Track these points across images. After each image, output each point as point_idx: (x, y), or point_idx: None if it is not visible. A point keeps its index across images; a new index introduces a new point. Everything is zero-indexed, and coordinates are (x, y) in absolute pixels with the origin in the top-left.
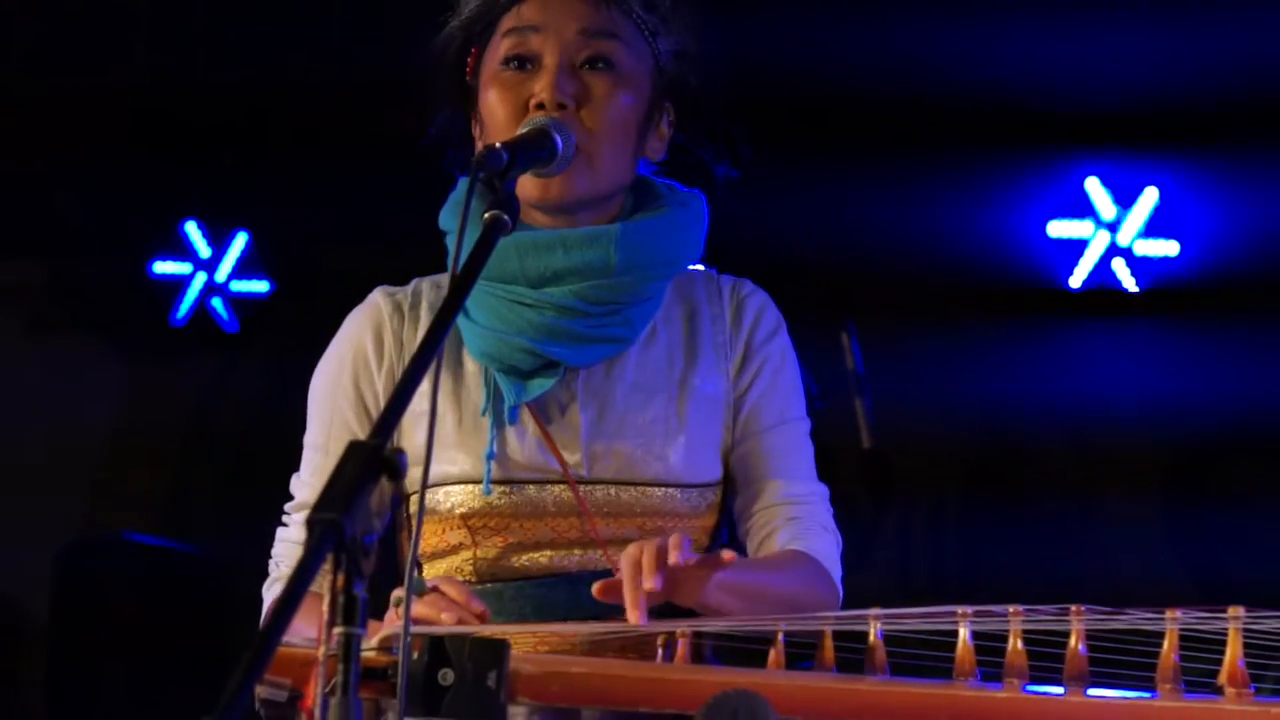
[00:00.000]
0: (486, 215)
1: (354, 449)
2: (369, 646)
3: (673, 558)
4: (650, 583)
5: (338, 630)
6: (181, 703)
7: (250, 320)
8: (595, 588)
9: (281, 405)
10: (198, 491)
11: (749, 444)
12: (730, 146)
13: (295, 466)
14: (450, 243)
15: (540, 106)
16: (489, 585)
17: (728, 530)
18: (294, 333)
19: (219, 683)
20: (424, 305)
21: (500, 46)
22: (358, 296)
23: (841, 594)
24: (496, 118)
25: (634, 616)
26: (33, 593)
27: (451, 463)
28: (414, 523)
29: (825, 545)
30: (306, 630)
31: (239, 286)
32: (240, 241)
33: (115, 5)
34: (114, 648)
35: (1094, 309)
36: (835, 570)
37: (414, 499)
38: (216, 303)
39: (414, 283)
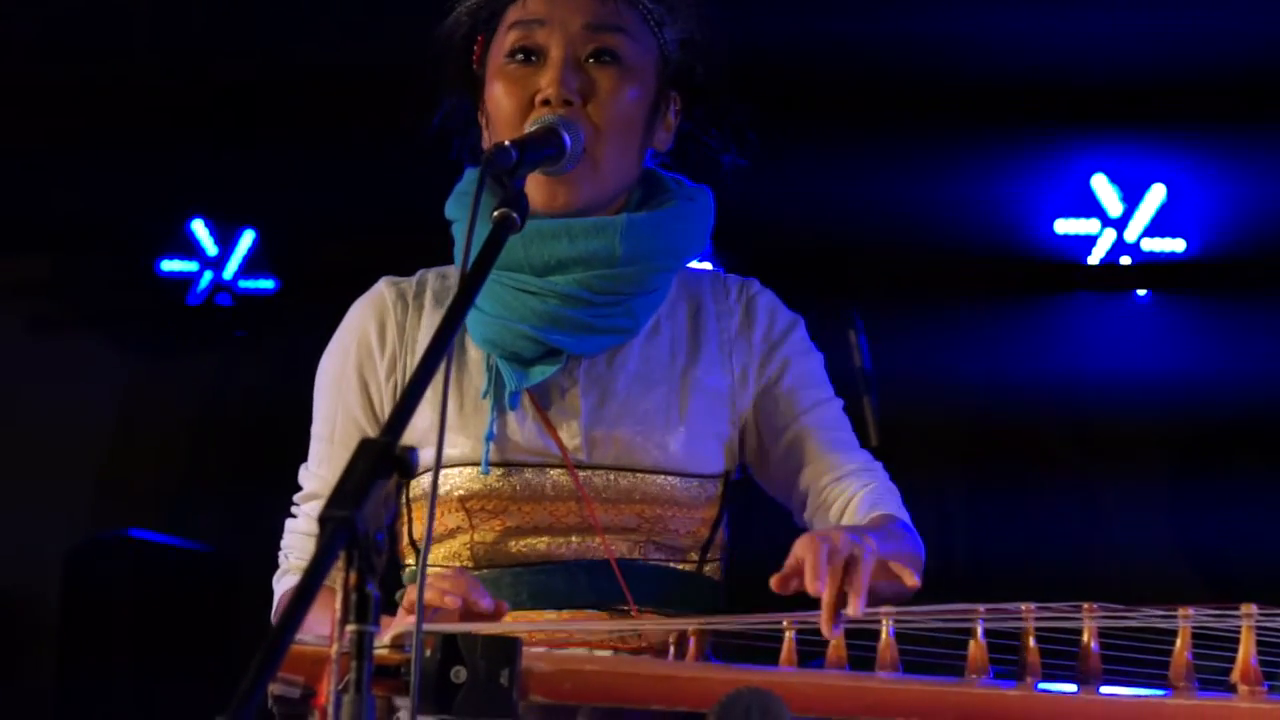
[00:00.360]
0: (496, 213)
1: (365, 446)
2: (380, 644)
3: (853, 608)
4: (855, 609)
5: (350, 627)
6: (190, 700)
7: (257, 318)
8: (774, 581)
9: (287, 403)
10: (203, 489)
11: (796, 427)
12: (737, 135)
13: (300, 463)
14: (456, 232)
15: (546, 102)
16: (485, 571)
17: (729, 525)
18: (300, 330)
19: (228, 680)
20: (428, 294)
21: (506, 39)
22: (363, 293)
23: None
24: (503, 111)
25: (828, 630)
26: (42, 591)
27: (451, 445)
28: (410, 509)
29: (898, 503)
30: (319, 627)
31: (246, 284)
32: (247, 239)
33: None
34: (122, 645)
35: (1101, 295)
36: (910, 521)
37: (413, 484)
38: (223, 300)
39: (419, 273)
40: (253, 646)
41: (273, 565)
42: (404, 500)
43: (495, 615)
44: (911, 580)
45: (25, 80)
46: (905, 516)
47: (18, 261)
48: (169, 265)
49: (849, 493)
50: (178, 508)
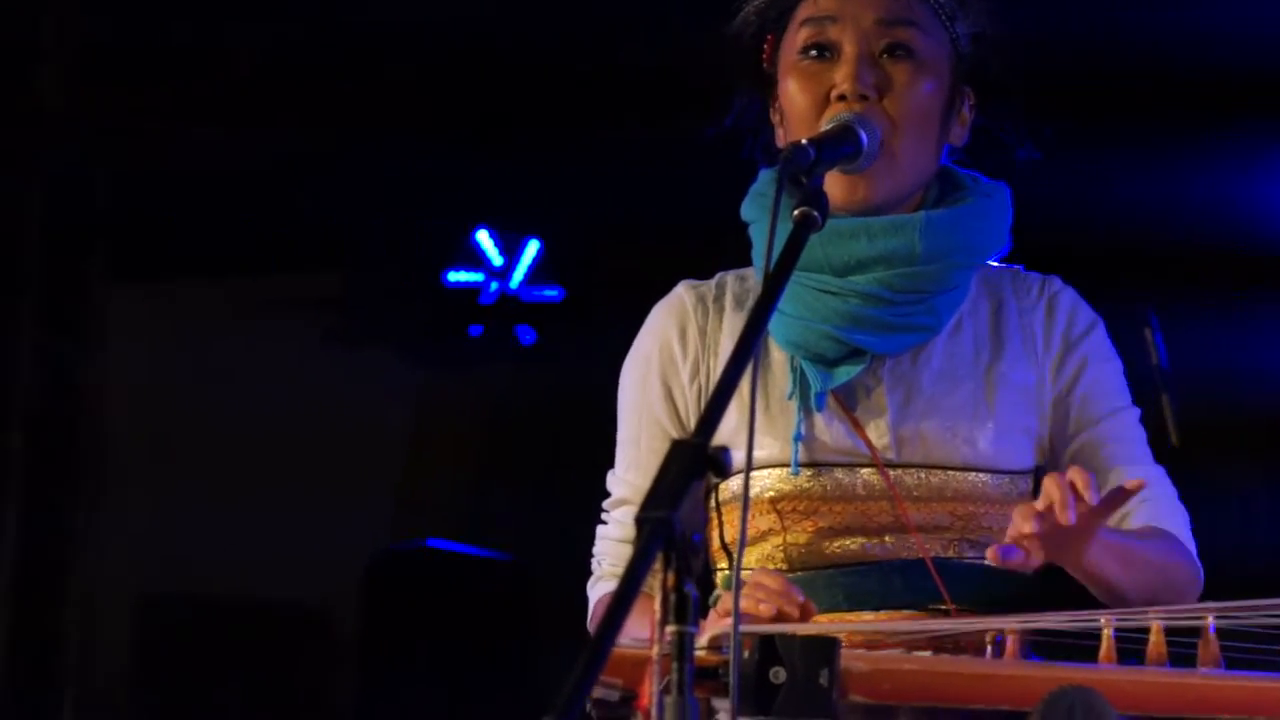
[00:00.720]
0: (796, 212)
1: (678, 448)
2: (698, 646)
3: (1062, 513)
4: (1065, 517)
5: (670, 629)
6: (491, 708)
7: (544, 327)
8: (990, 552)
9: (577, 411)
10: (498, 498)
11: (1085, 436)
12: (1032, 130)
13: (593, 470)
14: (754, 233)
15: (842, 98)
16: (800, 573)
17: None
18: (588, 338)
19: (528, 687)
20: (728, 297)
21: (798, 36)
22: (649, 300)
23: (1201, 570)
24: (798, 107)
25: (1064, 517)
26: (342, 603)
27: (759, 447)
28: (720, 513)
29: (1180, 523)
30: (635, 630)
31: (532, 294)
32: (532, 249)
33: (397, 13)
34: (423, 656)
35: None
36: (1192, 547)
37: (721, 488)
38: (511, 311)
39: (718, 276)
40: (553, 654)
41: (570, 572)
42: (713, 504)
43: (803, 616)
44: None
45: (311, 96)
46: (1184, 536)
47: (309, 277)
48: (456, 276)
49: (1125, 508)
50: (474, 517)
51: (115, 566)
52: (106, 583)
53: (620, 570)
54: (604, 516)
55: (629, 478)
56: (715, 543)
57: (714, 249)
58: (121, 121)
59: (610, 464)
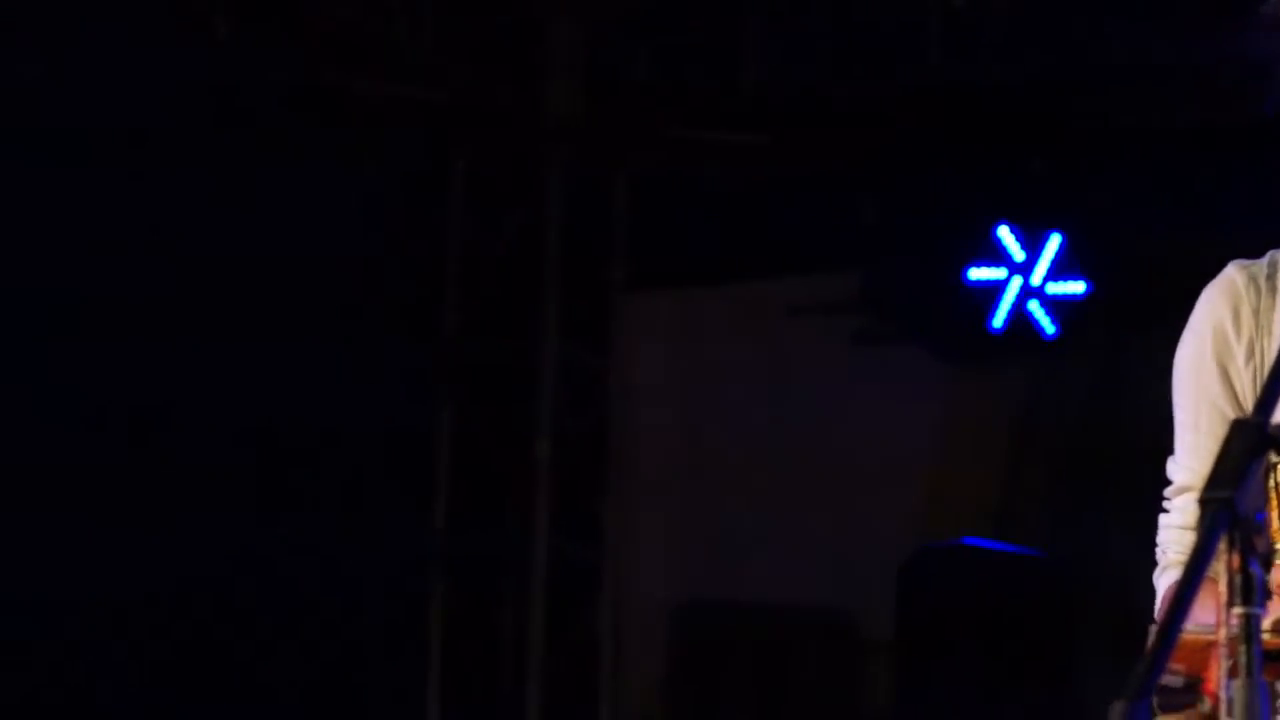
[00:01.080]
0: None
1: (1238, 427)
2: (1263, 630)
3: None
4: None
5: (1237, 611)
6: (1025, 707)
7: (1069, 322)
8: None
9: (1105, 404)
10: (1029, 495)
11: None
12: None
13: (1125, 464)
14: None
15: None
16: None
17: None
18: (1114, 332)
19: (1065, 685)
20: None
21: None
22: (1177, 290)
23: None
24: None
25: None
26: (876, 604)
27: None
28: (1279, 494)
29: None
30: (1199, 615)
31: (1055, 289)
32: (1054, 243)
33: (909, 8)
34: (961, 655)
35: None
36: None
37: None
38: (1034, 306)
39: (1269, 254)
40: (1088, 652)
41: (1103, 569)
42: (1272, 485)
43: None
44: None
45: (823, 99)
46: None
47: (830, 279)
48: (976, 274)
49: None
50: (1006, 514)
51: (647, 573)
52: (639, 589)
53: (1185, 558)
54: (1165, 505)
55: (1190, 464)
56: (1275, 523)
57: (1239, 238)
58: (636, 131)
59: (1141, 456)
